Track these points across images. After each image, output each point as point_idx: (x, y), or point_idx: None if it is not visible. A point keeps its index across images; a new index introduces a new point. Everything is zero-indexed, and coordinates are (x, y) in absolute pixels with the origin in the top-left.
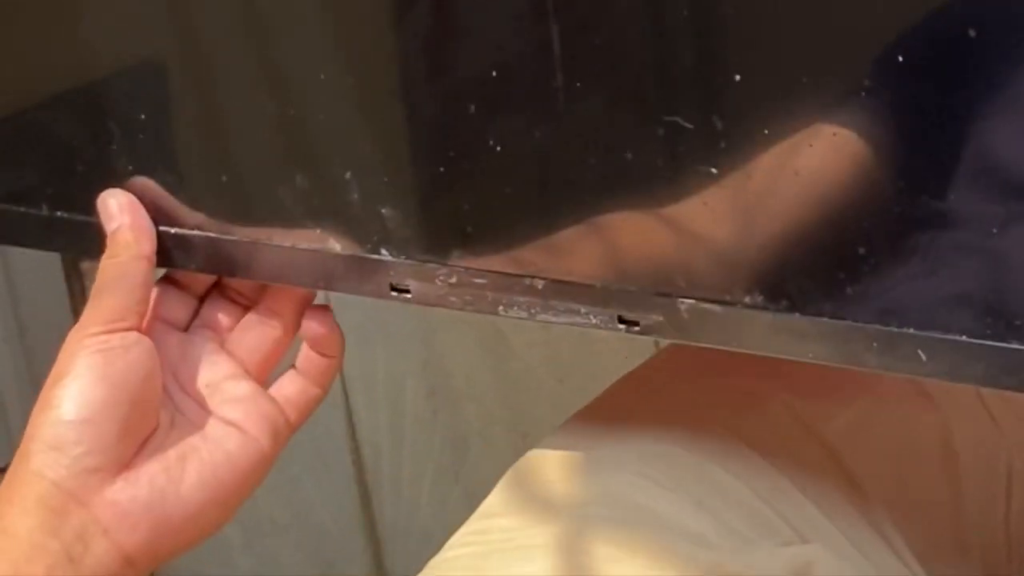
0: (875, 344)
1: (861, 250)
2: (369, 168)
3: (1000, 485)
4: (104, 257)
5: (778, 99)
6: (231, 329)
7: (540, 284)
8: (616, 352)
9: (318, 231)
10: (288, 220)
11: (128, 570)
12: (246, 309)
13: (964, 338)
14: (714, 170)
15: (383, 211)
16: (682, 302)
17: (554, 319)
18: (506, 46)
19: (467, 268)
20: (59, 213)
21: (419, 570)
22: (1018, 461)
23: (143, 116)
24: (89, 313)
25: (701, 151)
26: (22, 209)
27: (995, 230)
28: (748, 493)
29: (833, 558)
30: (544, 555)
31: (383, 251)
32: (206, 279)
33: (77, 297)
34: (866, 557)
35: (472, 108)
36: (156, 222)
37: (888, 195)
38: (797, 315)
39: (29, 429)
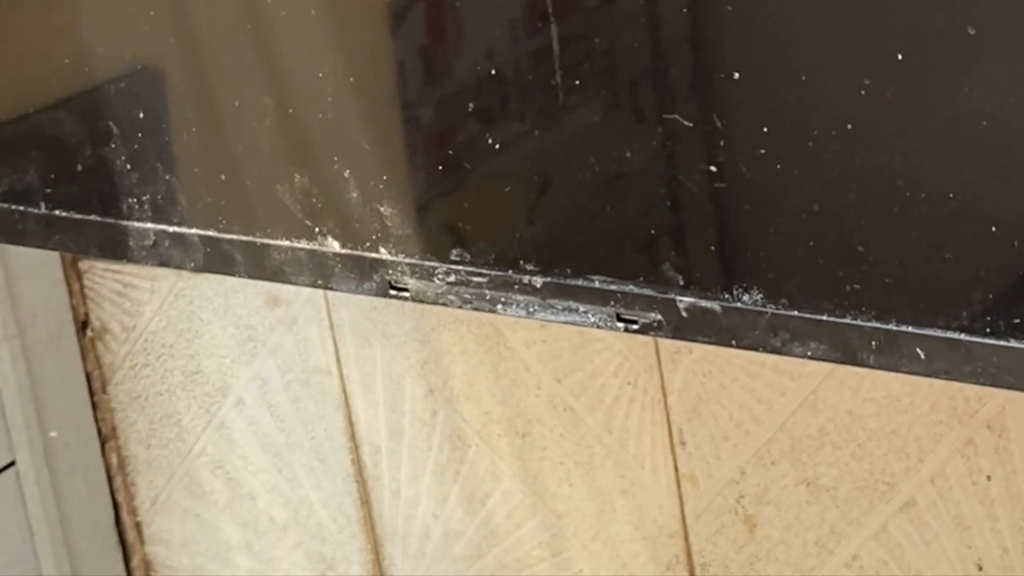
0: (874, 343)
1: (860, 248)
2: (368, 167)
3: None
4: None
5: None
6: None
7: (539, 282)
8: (616, 351)
9: (317, 230)
10: (287, 219)
11: None
12: None
13: (963, 336)
14: (713, 168)
15: (382, 209)
16: (681, 300)
17: (553, 317)
18: (505, 45)
19: (466, 267)
20: (58, 212)
21: (418, 569)
22: None
23: (142, 115)
24: None
25: (701, 149)
26: (22, 208)
27: None
28: None
29: None
30: None
31: (382, 250)
32: None
33: (77, 297)
34: None
35: (471, 107)
36: (156, 221)
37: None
38: (796, 313)
39: None
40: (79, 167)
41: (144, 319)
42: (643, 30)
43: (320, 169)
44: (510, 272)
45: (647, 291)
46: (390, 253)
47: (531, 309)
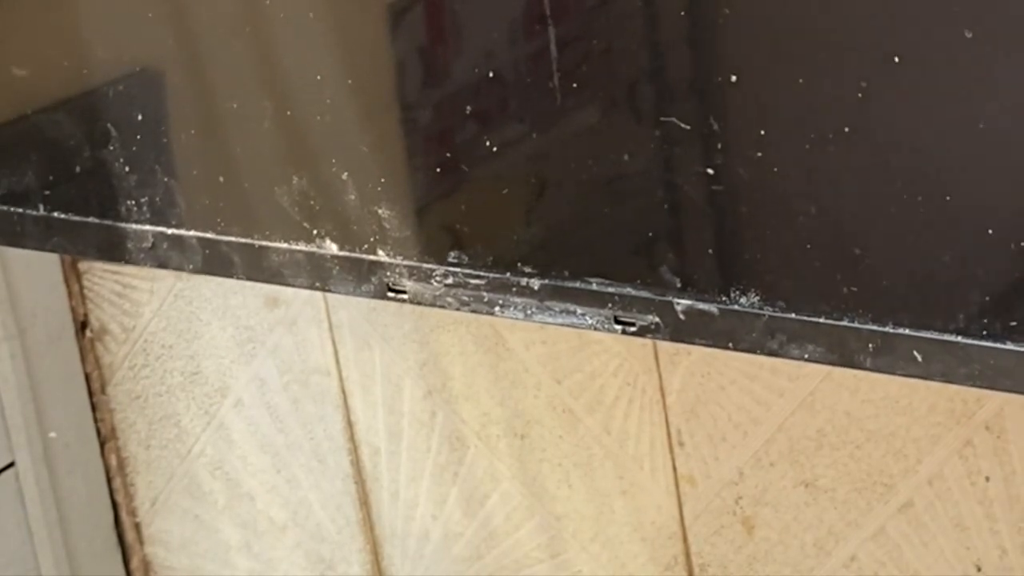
0: (871, 345)
1: (857, 250)
2: (366, 169)
3: None
4: None
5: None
6: None
7: (536, 285)
8: (615, 353)
9: (315, 232)
10: (285, 221)
11: None
12: None
13: (960, 339)
14: (710, 171)
15: (380, 212)
16: (678, 303)
17: (551, 320)
18: (503, 48)
19: (464, 269)
20: (57, 214)
21: (417, 570)
22: None
23: (140, 117)
24: None
25: (698, 152)
26: (20, 210)
27: None
28: None
29: None
30: None
31: (380, 252)
32: None
33: (76, 297)
34: None
35: (469, 109)
36: (154, 223)
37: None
38: (793, 316)
39: None
40: (78, 169)
41: (143, 320)
42: (641, 32)
43: (318, 171)
44: (508, 274)
45: (644, 293)
46: (388, 255)
47: (529, 311)
